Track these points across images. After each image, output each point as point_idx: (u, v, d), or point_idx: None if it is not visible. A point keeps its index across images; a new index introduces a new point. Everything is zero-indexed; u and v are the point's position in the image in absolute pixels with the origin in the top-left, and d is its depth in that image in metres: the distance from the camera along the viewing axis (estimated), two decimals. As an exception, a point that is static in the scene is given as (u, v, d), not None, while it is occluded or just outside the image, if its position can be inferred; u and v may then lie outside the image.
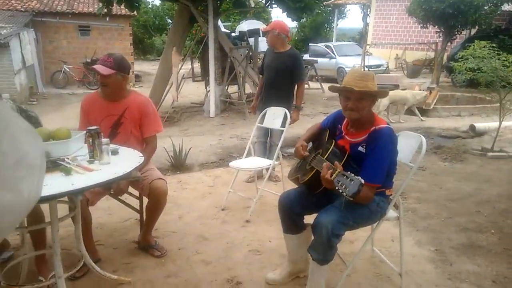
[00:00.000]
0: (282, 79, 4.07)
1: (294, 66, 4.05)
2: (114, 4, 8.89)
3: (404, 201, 3.78)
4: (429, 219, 3.43)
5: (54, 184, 1.70)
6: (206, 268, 2.69)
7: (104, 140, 2.06)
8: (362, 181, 1.80)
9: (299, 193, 2.33)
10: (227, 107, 9.01)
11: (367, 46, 13.30)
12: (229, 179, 4.14)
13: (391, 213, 2.37)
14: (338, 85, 2.21)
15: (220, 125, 7.83)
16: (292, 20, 8.83)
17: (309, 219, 2.31)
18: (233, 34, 14.30)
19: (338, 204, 2.11)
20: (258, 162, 3.61)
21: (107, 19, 14.45)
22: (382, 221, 2.31)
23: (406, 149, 2.42)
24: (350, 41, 20.79)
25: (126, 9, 10.32)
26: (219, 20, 17.79)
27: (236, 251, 2.90)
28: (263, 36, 14.21)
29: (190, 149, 5.06)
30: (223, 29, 15.81)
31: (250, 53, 9.26)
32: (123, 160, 2.12)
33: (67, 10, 14.29)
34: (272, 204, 3.45)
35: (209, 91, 8.72)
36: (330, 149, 2.21)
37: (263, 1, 9.57)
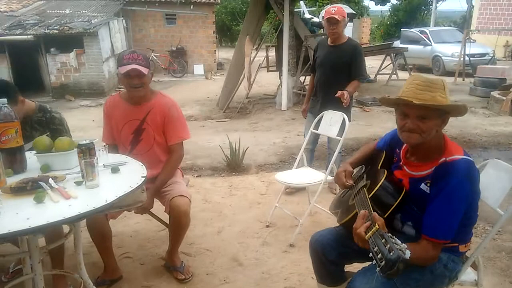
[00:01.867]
0: (340, 76, 3.44)
1: (353, 60, 3.39)
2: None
3: (498, 236, 2.97)
4: (530, 265, 2.61)
5: (12, 215, 1.41)
6: (231, 304, 2.30)
7: (96, 159, 1.73)
8: (407, 255, 1.20)
9: (336, 236, 1.79)
10: (300, 100, 8.44)
11: (470, 32, 11.56)
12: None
13: (468, 275, 1.72)
14: (392, 97, 1.59)
15: (291, 119, 7.32)
16: (376, 4, 7.87)
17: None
18: (316, 20, 13.53)
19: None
20: (309, 176, 3.06)
21: (192, 7, 14.66)
22: (451, 286, 1.68)
23: (495, 186, 1.73)
24: (450, 26, 18.59)
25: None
26: (304, 4, 17.15)
27: (271, 286, 2.45)
28: (350, 22, 13.25)
29: (247, 148, 4.66)
30: (307, 15, 15.12)
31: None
32: (118, 182, 1.77)
33: (155, -1, 14.76)
34: (326, 224, 2.92)
35: (282, 82, 8.24)
36: (380, 184, 1.62)
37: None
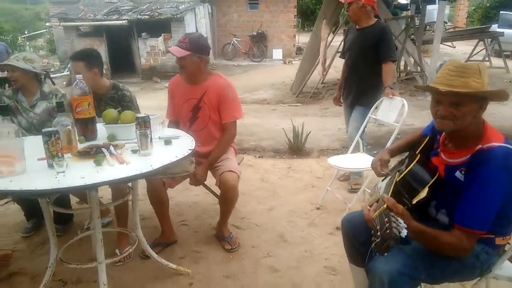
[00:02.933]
0: (367, 59, 3.30)
1: (380, 42, 3.22)
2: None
3: None
4: None
5: (72, 174, 1.67)
6: (270, 277, 2.42)
7: (149, 130, 1.94)
8: (403, 233, 1.20)
9: (367, 218, 1.79)
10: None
11: None
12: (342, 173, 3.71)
13: (505, 269, 1.63)
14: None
15: (363, 106, 7.15)
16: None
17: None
18: (404, 1, 12.78)
19: (410, 248, 1.52)
20: (362, 161, 3.04)
21: (274, -9, 14.72)
22: (485, 279, 1.61)
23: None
24: None
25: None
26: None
27: (311, 264, 2.53)
28: (438, 4, 12.30)
29: (309, 133, 4.69)
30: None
31: (412, 25, 8.05)
32: (168, 152, 1.97)
33: (240, -16, 15.08)
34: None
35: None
36: (408, 169, 1.60)
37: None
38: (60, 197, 2.43)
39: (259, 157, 4.61)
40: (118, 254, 2.50)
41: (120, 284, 2.32)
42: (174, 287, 2.34)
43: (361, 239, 1.80)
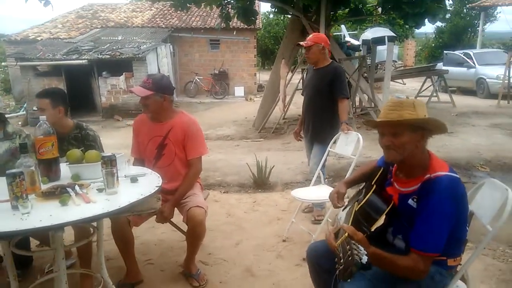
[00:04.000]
0: (322, 97, 3.52)
1: (333, 81, 3.46)
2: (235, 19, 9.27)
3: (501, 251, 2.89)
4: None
5: (38, 215, 1.66)
6: (239, 312, 2.42)
7: (115, 169, 1.97)
8: (363, 260, 1.31)
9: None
10: (335, 121, 8.52)
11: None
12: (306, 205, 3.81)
13: (459, 289, 1.76)
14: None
15: (323, 140, 7.41)
16: (410, 28, 7.86)
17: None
18: (356, 43, 13.62)
19: (371, 274, 1.62)
20: (324, 193, 3.16)
21: (234, 33, 15.24)
22: (440, 300, 1.72)
23: (488, 204, 1.77)
24: (499, 48, 17.92)
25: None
26: (345, 28, 17.28)
27: (278, 296, 2.56)
28: (384, 45, 13.23)
29: (273, 167, 4.82)
30: (347, 38, 15.25)
31: (364, 64, 8.59)
32: (135, 190, 1.99)
33: (201, 26, 15.52)
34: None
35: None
36: (366, 198, 1.72)
37: (379, 9, 8.80)
38: (21, 240, 2.35)
39: (224, 192, 4.64)
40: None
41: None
42: (141, 328, 2.28)
43: (325, 267, 1.88)
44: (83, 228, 2.39)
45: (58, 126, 2.54)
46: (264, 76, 18.71)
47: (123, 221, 2.53)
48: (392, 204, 1.73)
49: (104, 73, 11.64)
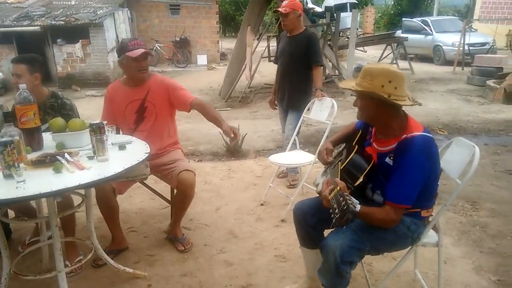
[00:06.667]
0: (297, 65, 3.61)
1: (308, 49, 3.54)
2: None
3: (475, 212, 3.21)
4: (500, 238, 2.85)
5: (35, 182, 1.67)
6: (225, 270, 2.55)
7: (106, 136, 1.99)
8: (357, 208, 1.47)
9: (315, 204, 2.02)
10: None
11: (471, 22, 11.64)
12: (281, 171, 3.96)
13: (431, 238, 1.96)
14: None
15: (290, 108, 7.55)
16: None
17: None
18: (319, 10, 13.66)
19: (354, 225, 1.78)
20: (300, 157, 3.31)
21: (195, -3, 14.80)
22: (416, 246, 1.92)
23: (456, 160, 1.96)
24: (454, 15, 18.59)
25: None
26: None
27: (262, 255, 2.71)
28: (350, 11, 13.36)
29: (245, 135, 4.91)
30: (310, 4, 15.21)
31: (329, 32, 8.69)
32: (125, 157, 2.02)
33: (160, -10, 14.90)
34: (315, 203, 3.17)
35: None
36: (350, 157, 1.87)
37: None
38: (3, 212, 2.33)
39: (198, 161, 4.70)
40: (69, 265, 2.47)
41: (77, 293, 2.30)
42: (133, 290, 2.37)
43: (311, 223, 2.03)
44: (66, 198, 2.40)
45: (34, 94, 2.46)
46: (226, 44, 18.45)
47: (108, 189, 2.54)
48: (373, 162, 1.88)
49: (58, 40, 11.02)
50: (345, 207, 1.46)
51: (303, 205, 2.08)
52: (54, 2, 12.71)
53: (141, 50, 2.58)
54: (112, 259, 2.57)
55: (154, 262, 2.65)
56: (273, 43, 10.56)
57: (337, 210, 1.48)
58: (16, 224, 2.91)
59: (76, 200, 2.37)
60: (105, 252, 2.61)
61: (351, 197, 1.54)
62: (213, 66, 14.47)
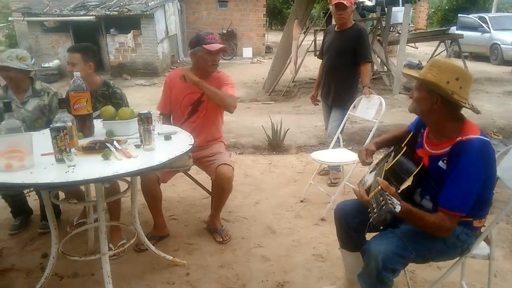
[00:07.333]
0: (344, 60, 3.49)
1: (357, 45, 3.41)
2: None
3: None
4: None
5: (84, 168, 1.73)
6: (262, 265, 2.55)
7: (152, 126, 2.03)
8: (397, 209, 1.41)
9: (358, 206, 1.96)
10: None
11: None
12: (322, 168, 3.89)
13: (481, 249, 1.85)
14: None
15: (335, 104, 7.41)
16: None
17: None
18: (369, 4, 13.26)
19: (400, 231, 1.71)
20: (343, 156, 3.23)
21: (243, -11, 14.82)
22: (464, 258, 1.82)
23: (515, 169, 1.83)
24: (516, 12, 17.40)
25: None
26: (357, -12, 16.72)
27: (299, 252, 2.68)
28: (402, 6, 12.86)
29: (288, 130, 4.87)
30: (360, -2, 14.78)
31: (379, 26, 8.40)
32: (170, 147, 2.06)
33: (209, -18, 15.06)
34: (357, 204, 3.09)
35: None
36: (396, 159, 1.78)
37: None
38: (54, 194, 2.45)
39: (240, 153, 4.73)
40: (112, 248, 2.57)
41: (119, 276, 2.37)
42: (172, 277, 2.42)
43: (352, 225, 1.97)
44: (113, 183, 2.48)
45: (87, 82, 2.56)
46: (271, 37, 18.35)
47: (153, 178, 2.61)
48: (422, 165, 1.79)
49: (111, 30, 11.44)
50: (383, 207, 1.41)
51: (345, 206, 2.02)
52: (109, -7, 13.17)
53: (218, 45, 2.63)
54: (153, 245, 2.64)
55: (193, 251, 2.70)
56: (320, 37, 10.38)
57: (375, 210, 1.43)
58: (65, 206, 3.05)
59: (122, 185, 2.45)
60: (147, 237, 2.70)
61: (392, 197, 1.48)
62: (258, 59, 14.48)
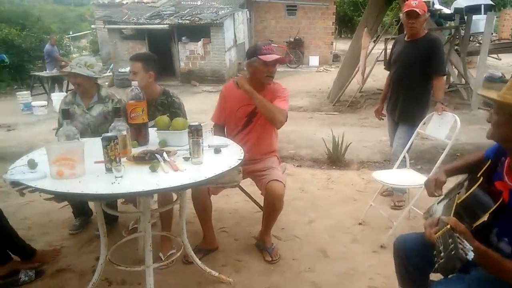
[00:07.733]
0: (415, 73, 3.19)
1: (430, 56, 3.09)
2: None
3: None
4: None
5: (130, 178, 1.71)
6: (312, 292, 2.38)
7: (202, 139, 1.97)
8: (469, 256, 1.16)
9: (423, 241, 1.72)
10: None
11: None
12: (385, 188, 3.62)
13: None
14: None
15: (404, 118, 6.97)
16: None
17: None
18: (447, 11, 12.45)
19: (470, 278, 1.46)
20: (409, 178, 2.95)
21: (313, -2, 14.68)
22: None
23: None
24: None
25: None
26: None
27: (353, 282, 2.46)
28: (484, 14, 11.87)
29: (349, 143, 4.63)
30: (437, 5, 13.97)
31: (457, 36, 7.80)
32: (218, 161, 1.98)
33: (279, -9, 15.14)
34: (422, 230, 2.79)
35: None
36: (470, 192, 1.53)
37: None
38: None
39: (297, 166, 4.58)
40: (162, 257, 2.56)
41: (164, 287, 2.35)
42: (216, 294, 2.35)
43: (413, 261, 1.74)
44: (167, 193, 2.47)
45: (147, 91, 2.59)
46: (340, 45, 17.94)
47: (204, 190, 2.56)
48: (501, 201, 1.53)
49: (183, 38, 11.91)
50: (452, 252, 1.17)
51: (407, 239, 1.80)
52: (182, 2, 13.76)
53: (274, 56, 2.56)
54: (201, 258, 2.60)
55: (240, 269, 2.60)
56: (390, 46, 9.92)
57: (442, 254, 1.20)
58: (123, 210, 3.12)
59: (175, 194, 2.43)
60: (195, 249, 2.67)
61: (463, 240, 1.24)
62: (325, 67, 14.21)
